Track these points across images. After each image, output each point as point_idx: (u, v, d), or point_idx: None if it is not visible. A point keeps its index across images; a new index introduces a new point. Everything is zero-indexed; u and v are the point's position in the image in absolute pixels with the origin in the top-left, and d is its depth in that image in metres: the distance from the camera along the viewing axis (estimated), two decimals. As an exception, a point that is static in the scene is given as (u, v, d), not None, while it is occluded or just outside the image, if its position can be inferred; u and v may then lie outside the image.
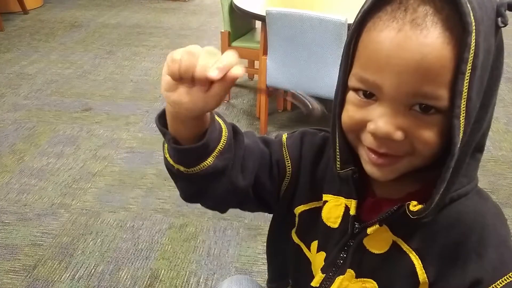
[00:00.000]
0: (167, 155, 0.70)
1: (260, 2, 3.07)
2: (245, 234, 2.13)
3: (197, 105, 0.59)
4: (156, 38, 4.73)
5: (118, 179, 2.51)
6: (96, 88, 3.60)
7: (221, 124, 0.71)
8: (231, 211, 2.19)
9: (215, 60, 0.56)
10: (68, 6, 5.83)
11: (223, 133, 0.70)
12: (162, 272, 1.92)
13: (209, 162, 0.67)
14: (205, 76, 0.55)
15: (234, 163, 0.72)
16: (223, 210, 0.83)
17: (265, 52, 2.75)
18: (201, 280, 1.88)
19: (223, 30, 3.20)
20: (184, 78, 0.57)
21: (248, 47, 3.20)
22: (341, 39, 2.38)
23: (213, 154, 0.68)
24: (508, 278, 0.65)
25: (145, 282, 1.86)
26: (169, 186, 2.39)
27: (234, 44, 3.22)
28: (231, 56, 0.57)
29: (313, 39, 2.47)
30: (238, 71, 0.57)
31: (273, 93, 3.07)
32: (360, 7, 0.62)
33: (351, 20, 2.43)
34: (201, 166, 0.67)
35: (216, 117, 0.70)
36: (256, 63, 3.30)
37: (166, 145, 0.70)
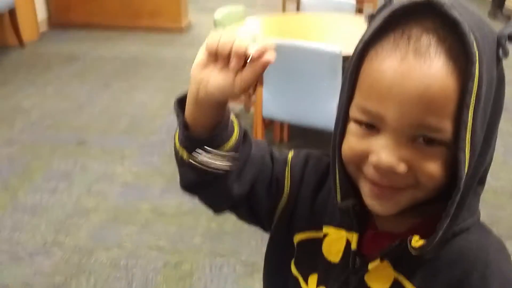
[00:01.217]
0: (176, 139, 0.70)
1: (255, 33, 3.09)
2: (242, 271, 2.08)
3: (223, 86, 0.61)
4: (153, 71, 4.75)
5: (112, 215, 2.47)
6: (91, 121, 3.60)
7: (235, 125, 0.71)
8: (228, 247, 2.14)
9: (253, 40, 0.59)
10: (64, 38, 5.87)
11: (234, 135, 0.70)
12: (157, 313, 1.87)
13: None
14: (243, 49, 0.57)
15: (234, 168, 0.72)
16: (217, 211, 0.82)
17: (261, 83, 2.75)
18: (196, 321, 1.83)
19: (218, 63, 3.21)
20: (221, 54, 0.59)
21: (243, 79, 3.20)
22: (335, 70, 2.38)
23: None
24: None
25: (139, 324, 1.82)
26: (164, 222, 2.35)
27: (229, 76, 3.22)
28: (268, 40, 0.59)
29: (308, 70, 2.48)
30: (272, 56, 0.58)
31: (270, 124, 3.06)
32: (360, 36, 0.61)
33: (345, 50, 2.46)
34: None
35: (232, 117, 0.71)
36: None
37: (177, 131, 0.71)
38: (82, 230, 2.36)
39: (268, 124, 3.03)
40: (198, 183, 0.72)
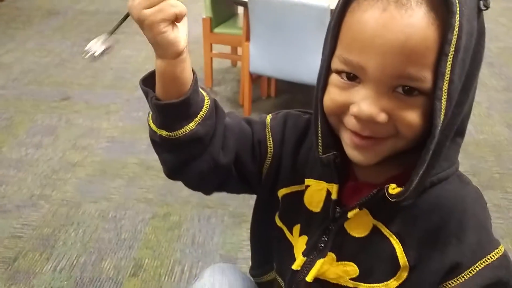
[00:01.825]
0: (151, 122, 0.71)
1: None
2: (230, 221, 2.11)
3: (183, 34, 0.65)
4: (136, 25, 4.62)
5: (99, 169, 2.46)
6: (74, 76, 3.54)
7: (204, 93, 0.72)
8: (215, 199, 2.17)
9: None
10: (44, -7, 5.70)
11: (206, 101, 0.71)
12: (146, 262, 1.89)
13: (191, 127, 0.68)
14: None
15: (215, 138, 0.72)
16: (207, 191, 0.83)
17: (247, 38, 2.72)
18: (185, 269, 1.87)
19: (204, 16, 3.15)
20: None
21: (230, 33, 3.17)
22: (324, 25, 2.35)
23: (195, 120, 0.69)
24: (485, 261, 0.66)
25: (129, 272, 1.84)
26: (152, 175, 2.35)
27: (216, 30, 3.18)
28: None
29: (296, 24, 2.45)
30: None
31: (257, 79, 3.04)
32: None
33: (333, 5, 2.42)
34: (183, 130, 0.68)
35: (200, 89, 0.71)
36: (239, 50, 3.27)
37: (150, 114, 0.72)
38: (68, 184, 2.35)
39: (255, 79, 3.01)
40: (183, 162, 0.73)
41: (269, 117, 0.83)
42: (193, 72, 0.70)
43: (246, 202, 2.13)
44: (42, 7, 5.18)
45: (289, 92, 3.33)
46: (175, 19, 0.63)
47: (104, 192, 2.29)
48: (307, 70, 2.52)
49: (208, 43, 3.22)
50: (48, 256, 1.91)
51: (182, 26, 0.65)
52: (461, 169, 0.72)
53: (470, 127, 2.84)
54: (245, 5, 2.60)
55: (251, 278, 0.98)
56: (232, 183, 0.81)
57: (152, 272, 1.85)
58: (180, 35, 0.64)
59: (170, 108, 0.67)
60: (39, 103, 3.13)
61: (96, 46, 0.69)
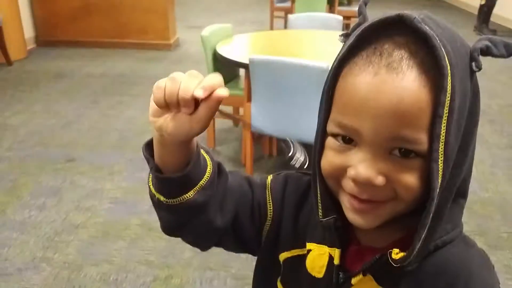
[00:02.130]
0: (150, 184, 0.70)
1: (243, 50, 3.12)
2: (232, 284, 2.07)
3: (182, 129, 0.60)
4: (141, 87, 4.74)
5: (102, 231, 2.45)
6: (80, 138, 3.58)
7: (207, 159, 0.71)
8: (218, 261, 2.13)
9: (198, 81, 0.58)
10: (52, 56, 5.87)
11: (208, 169, 0.70)
12: (147, 327, 1.85)
13: (189, 195, 0.67)
14: (189, 95, 0.56)
15: (214, 201, 0.72)
16: (203, 247, 0.82)
17: (249, 99, 2.77)
18: (187, 335, 1.82)
19: (207, 78, 3.22)
20: (170, 103, 0.58)
21: (232, 94, 3.21)
22: (323, 85, 2.40)
23: (195, 189, 0.68)
24: None
25: (129, 339, 1.79)
26: (154, 237, 2.33)
27: (218, 91, 3.23)
28: (215, 76, 0.58)
29: (296, 85, 2.50)
30: (223, 91, 0.58)
31: (259, 138, 3.07)
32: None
33: (333, 66, 2.48)
34: (181, 198, 0.67)
35: (203, 152, 0.71)
36: (241, 110, 3.32)
37: (150, 175, 0.71)
38: (71, 246, 2.33)
39: (257, 138, 3.04)
40: (180, 223, 0.72)
41: (269, 178, 0.82)
42: (196, 144, 0.69)
43: (249, 264, 2.10)
44: (49, 70, 5.32)
45: (291, 151, 3.34)
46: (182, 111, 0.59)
47: (105, 255, 2.26)
48: (307, 130, 2.54)
49: (211, 104, 3.27)
50: (48, 322, 1.86)
51: (192, 119, 0.60)
52: (467, 228, 0.71)
53: (474, 186, 2.85)
54: (246, 67, 2.67)
55: None
56: (229, 242, 0.80)
57: (153, 338, 1.80)
58: (174, 127, 0.60)
59: (168, 181, 0.67)
60: (44, 165, 3.15)
61: (299, 154, 0.70)
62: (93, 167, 3.13)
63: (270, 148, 3.31)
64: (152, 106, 0.61)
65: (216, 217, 0.73)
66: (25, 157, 3.26)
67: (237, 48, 3.12)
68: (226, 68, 3.31)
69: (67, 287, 2.05)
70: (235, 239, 0.79)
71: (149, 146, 0.70)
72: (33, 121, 3.89)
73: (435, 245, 0.64)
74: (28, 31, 6.06)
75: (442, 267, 0.66)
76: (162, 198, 0.68)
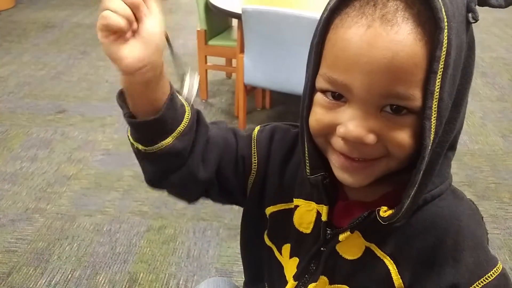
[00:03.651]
0: (128, 133, 0.69)
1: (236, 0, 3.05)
2: (225, 234, 2.10)
3: (137, 53, 0.57)
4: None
5: (94, 182, 2.46)
6: (70, 89, 3.54)
7: (185, 105, 0.69)
8: (210, 212, 2.15)
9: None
10: (40, 6, 5.72)
11: (186, 115, 0.68)
12: (141, 276, 1.88)
13: (168, 142, 0.66)
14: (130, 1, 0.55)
15: (194, 151, 0.70)
16: (190, 200, 0.81)
17: (242, 50, 2.73)
18: (180, 282, 1.86)
19: (199, 29, 3.17)
20: (117, 28, 0.56)
21: (225, 45, 3.18)
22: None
23: (173, 135, 0.66)
24: (484, 281, 0.64)
25: (124, 286, 1.83)
26: (147, 188, 2.32)
27: (210, 42, 3.19)
28: None
29: (290, 36, 2.46)
30: None
31: (251, 90, 3.05)
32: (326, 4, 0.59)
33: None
34: (160, 145, 0.66)
35: (183, 100, 0.69)
36: (234, 62, 3.28)
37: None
38: (63, 197, 2.34)
39: (250, 90, 3.01)
40: (162, 173, 0.71)
41: (256, 129, 0.80)
42: (170, 87, 0.67)
43: (241, 214, 2.12)
44: (37, 20, 5.19)
45: (283, 104, 3.33)
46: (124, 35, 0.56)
47: (98, 206, 2.28)
48: (301, 82, 2.51)
49: (202, 55, 3.23)
50: (43, 270, 1.89)
51: (134, 45, 0.57)
52: (456, 179, 0.71)
53: (464, 138, 2.86)
54: (239, 17, 2.61)
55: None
56: (215, 194, 0.80)
57: (147, 286, 1.83)
58: (124, 53, 0.57)
59: (143, 126, 0.65)
60: (35, 117, 3.13)
61: (190, 88, 0.68)
62: (84, 118, 3.11)
63: (263, 101, 3.29)
64: (105, 45, 0.57)
65: (198, 169, 0.72)
66: (15, 109, 3.23)
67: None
68: (219, 18, 3.24)
69: (60, 237, 2.08)
70: (220, 191, 0.78)
71: (123, 94, 0.68)
72: (22, 72, 3.83)
73: (424, 199, 0.64)
74: (14, -21, 5.87)
75: (431, 221, 0.65)
76: (140, 147, 0.67)
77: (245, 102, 2.91)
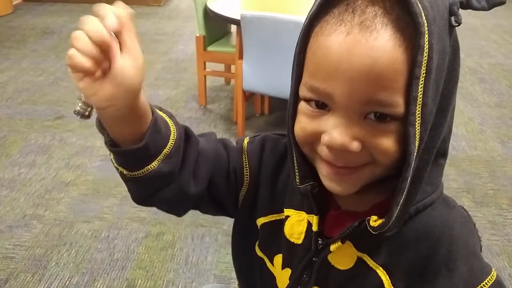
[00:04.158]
0: (111, 157, 0.66)
1: (235, 6, 3.05)
2: (224, 240, 2.10)
3: (106, 92, 0.54)
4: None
5: (92, 188, 2.45)
6: (68, 95, 3.54)
7: (170, 125, 0.67)
8: (209, 218, 2.14)
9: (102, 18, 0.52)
10: (39, 12, 5.73)
11: (172, 135, 0.66)
12: (139, 282, 1.87)
13: (154, 165, 0.64)
14: (99, 39, 0.51)
15: (185, 168, 0.69)
16: (179, 214, 0.79)
17: (240, 56, 2.73)
18: (179, 289, 1.85)
19: (198, 35, 3.17)
20: (80, 69, 0.53)
21: (224, 51, 3.18)
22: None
23: (159, 158, 0.64)
24: None
25: (122, 293, 1.82)
26: (145, 194, 2.33)
27: (209, 48, 3.19)
28: (105, 8, 0.53)
29: (289, 42, 2.45)
30: (123, 12, 0.53)
31: (250, 96, 3.05)
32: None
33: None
34: (145, 170, 0.64)
35: (165, 117, 0.67)
36: (233, 68, 3.28)
37: None
38: (61, 203, 2.34)
39: (249, 96, 3.01)
40: (149, 194, 0.69)
41: (246, 140, 0.79)
42: (152, 112, 0.63)
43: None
44: (36, 26, 5.20)
45: (282, 109, 3.32)
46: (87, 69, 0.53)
47: (97, 212, 2.27)
48: (300, 88, 2.53)
49: (201, 61, 3.23)
50: (40, 277, 1.88)
51: (106, 81, 0.54)
52: (455, 185, 0.70)
53: (463, 144, 2.87)
54: (238, 23, 2.62)
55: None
56: (205, 207, 0.78)
57: (145, 292, 1.83)
58: (93, 89, 0.54)
59: (126, 154, 0.62)
60: (33, 122, 3.12)
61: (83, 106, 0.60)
62: (82, 124, 3.11)
63: (262, 107, 3.29)
64: (75, 81, 0.54)
65: (189, 185, 0.70)
66: (14, 115, 3.22)
67: (228, 4, 3.05)
68: (218, 24, 3.25)
69: (58, 244, 2.07)
70: (212, 204, 0.78)
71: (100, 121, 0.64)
72: (21, 78, 3.83)
73: (416, 209, 0.63)
74: (13, -15, 5.88)
75: (423, 231, 0.65)
76: (125, 172, 0.65)
77: (244, 108, 2.91)
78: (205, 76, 3.32)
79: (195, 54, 3.23)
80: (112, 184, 2.47)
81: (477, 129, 3.09)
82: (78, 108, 0.56)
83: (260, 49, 2.58)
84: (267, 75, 2.65)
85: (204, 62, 3.25)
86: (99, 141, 2.89)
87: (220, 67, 3.53)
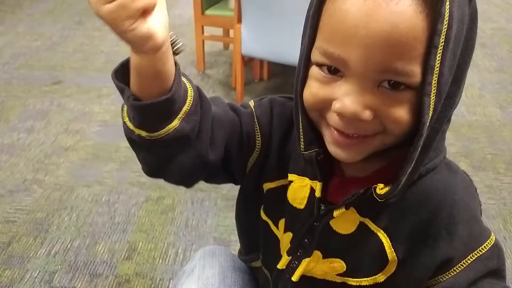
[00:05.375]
0: (127, 119, 0.63)
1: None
2: (223, 204, 2.12)
3: (162, 23, 0.52)
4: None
5: (92, 153, 2.46)
6: (66, 60, 3.51)
7: (186, 83, 0.65)
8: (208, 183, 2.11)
9: None
10: (34, -25, 5.62)
11: (189, 92, 0.64)
12: (140, 245, 1.90)
13: (175, 124, 0.61)
14: None
15: (202, 131, 0.65)
16: (189, 185, 0.77)
17: (239, 20, 2.69)
18: (179, 251, 1.87)
19: (195, -2, 3.12)
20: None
21: (222, 15, 3.14)
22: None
23: (179, 116, 0.61)
24: (477, 253, 0.65)
25: (123, 255, 1.85)
26: (145, 159, 2.34)
27: (207, 12, 3.14)
28: None
29: (289, 5, 2.43)
30: None
31: (249, 61, 3.02)
32: None
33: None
34: (166, 129, 0.60)
35: (182, 77, 0.64)
36: (231, 32, 3.24)
37: (125, 108, 0.63)
38: (61, 168, 2.34)
39: (248, 62, 2.99)
40: (165, 161, 0.65)
41: (252, 104, 0.76)
42: (175, 64, 0.61)
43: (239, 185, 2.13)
44: (31, -11, 5.11)
45: (282, 75, 3.31)
46: (145, 12, 0.50)
47: (97, 176, 2.28)
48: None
49: (199, 25, 3.19)
50: (42, 240, 1.91)
51: (158, 15, 0.51)
52: (453, 150, 0.70)
53: (462, 109, 2.86)
54: (236, -14, 2.57)
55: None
56: (218, 176, 0.76)
57: (146, 255, 1.85)
58: (155, 27, 0.51)
59: (152, 108, 0.59)
60: (31, 88, 3.10)
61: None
62: (80, 90, 3.09)
63: (261, 72, 3.27)
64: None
65: (207, 152, 0.67)
66: (11, 80, 3.20)
67: (226, -34, 3.00)
68: (215, -13, 3.19)
69: (59, 208, 2.09)
70: (224, 171, 0.75)
71: (118, 73, 0.61)
72: (17, 42, 3.78)
73: (419, 174, 0.63)
74: None
75: (425, 195, 0.65)
76: (144, 134, 0.61)
77: (243, 74, 2.89)
78: (203, 40, 3.28)
79: (192, 19, 3.19)
80: (111, 149, 2.47)
81: (476, 94, 3.08)
82: (182, 42, 0.57)
83: (259, 13, 2.54)
84: (267, 39, 2.62)
85: (202, 27, 3.21)
86: (98, 106, 2.89)
87: (219, 31, 3.49)
